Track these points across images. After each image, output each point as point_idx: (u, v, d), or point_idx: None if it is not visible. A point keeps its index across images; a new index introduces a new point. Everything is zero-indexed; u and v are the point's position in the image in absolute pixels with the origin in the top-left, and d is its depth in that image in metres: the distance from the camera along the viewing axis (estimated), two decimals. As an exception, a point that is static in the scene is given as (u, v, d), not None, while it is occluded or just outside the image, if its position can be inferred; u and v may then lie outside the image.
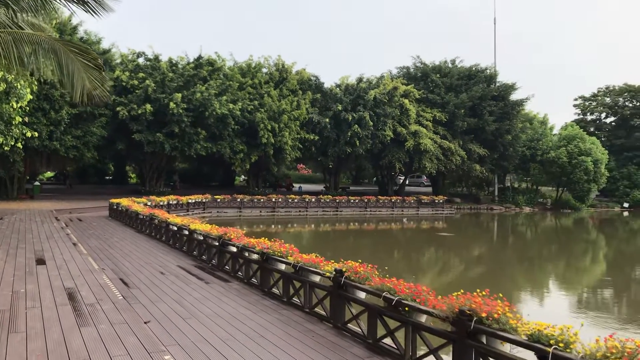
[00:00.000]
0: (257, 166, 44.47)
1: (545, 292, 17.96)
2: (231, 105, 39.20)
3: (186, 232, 14.47)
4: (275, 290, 9.94)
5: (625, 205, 60.13)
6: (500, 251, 29.17)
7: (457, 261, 24.56)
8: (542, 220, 47.72)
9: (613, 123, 67.79)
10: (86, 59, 11.45)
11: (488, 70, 53.69)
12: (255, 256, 10.33)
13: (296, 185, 57.27)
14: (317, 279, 8.64)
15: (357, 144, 43.50)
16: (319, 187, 55.60)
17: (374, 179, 74.68)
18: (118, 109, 36.64)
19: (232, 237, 11.28)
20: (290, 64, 45.74)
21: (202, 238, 13.25)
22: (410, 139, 45.04)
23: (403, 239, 32.53)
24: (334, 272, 8.00)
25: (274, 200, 39.39)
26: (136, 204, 23.79)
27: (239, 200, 38.04)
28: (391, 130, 44.93)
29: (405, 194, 50.11)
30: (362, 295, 7.61)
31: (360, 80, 47.69)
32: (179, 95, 37.33)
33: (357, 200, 42.53)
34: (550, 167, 54.08)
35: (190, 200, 33.51)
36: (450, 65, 53.99)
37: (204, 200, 35.70)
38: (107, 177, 60.71)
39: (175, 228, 15.46)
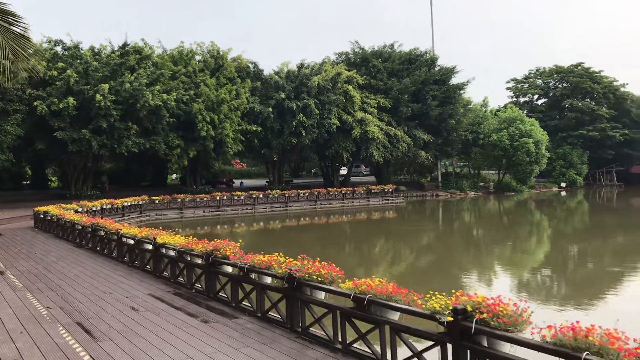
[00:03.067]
0: (195, 162, 41.02)
1: (493, 275, 17.51)
2: (165, 96, 35.57)
3: (149, 247, 11.40)
4: (316, 332, 7.25)
5: (563, 185, 61.28)
6: (453, 237, 28.31)
7: (409, 250, 23.47)
8: (488, 204, 47.44)
9: (545, 105, 69.04)
10: (4, 19, 8.27)
11: (428, 54, 52.68)
12: (269, 280, 7.71)
13: (237, 181, 53.99)
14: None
15: (303, 134, 40.97)
16: (260, 182, 52.78)
17: (312, 171, 72.70)
18: (35, 103, 32.14)
19: (227, 253, 8.54)
20: (225, 50, 42.51)
21: (174, 254, 10.32)
22: (357, 127, 43.08)
23: (356, 231, 30.82)
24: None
25: (218, 198, 36.19)
26: (68, 212, 20.19)
27: (179, 200, 34.58)
28: (337, 118, 42.75)
29: (350, 185, 48.32)
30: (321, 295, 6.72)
31: (301, 66, 45.11)
32: (106, 86, 33.30)
33: (306, 194, 40.06)
34: (493, 151, 53.94)
35: (125, 204, 29.84)
36: (389, 50, 52.54)
37: (140, 203, 32.08)
38: (25, 182, 54.84)
39: (132, 242, 12.35)
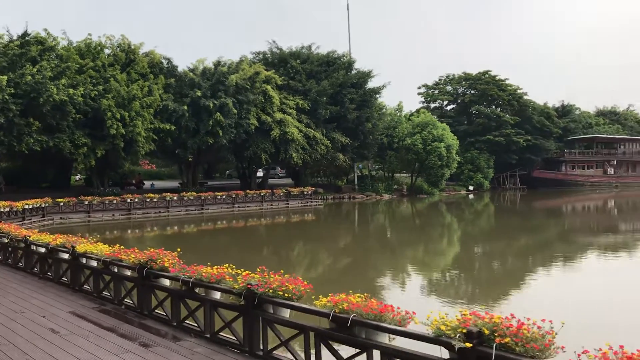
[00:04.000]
0: (103, 162, 38.42)
1: (407, 276, 17.67)
2: (71, 91, 32.97)
3: (66, 257, 9.95)
4: (282, 356, 6.10)
5: (471, 188, 63.71)
6: (370, 239, 28.45)
7: (327, 253, 23.24)
8: (402, 206, 48.32)
9: (454, 110, 71.53)
10: None
11: (345, 57, 52.89)
12: (217, 295, 6.75)
13: (147, 183, 51.37)
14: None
15: (220, 133, 39.50)
16: (172, 184, 50.52)
17: (227, 172, 70.91)
18: None
19: (166, 264, 7.49)
20: (137, 44, 40.21)
21: (98, 266, 9.03)
22: (276, 128, 42.26)
23: (275, 235, 30.21)
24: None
25: (129, 201, 34.07)
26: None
27: (86, 203, 32.18)
28: (255, 119, 41.69)
29: (268, 187, 47.43)
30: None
31: (218, 64, 43.58)
32: (4, 77, 30.31)
33: (224, 196, 38.73)
34: (407, 154, 55.03)
35: (26, 206, 27.26)
36: (307, 51, 52.22)
37: (43, 205, 29.51)
38: None
39: (44, 250, 10.78)
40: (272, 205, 41.48)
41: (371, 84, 52.13)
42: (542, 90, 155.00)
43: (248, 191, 41.22)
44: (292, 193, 43.31)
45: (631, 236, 28.03)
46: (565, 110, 78.96)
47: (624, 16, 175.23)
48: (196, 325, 6.99)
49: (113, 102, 35.27)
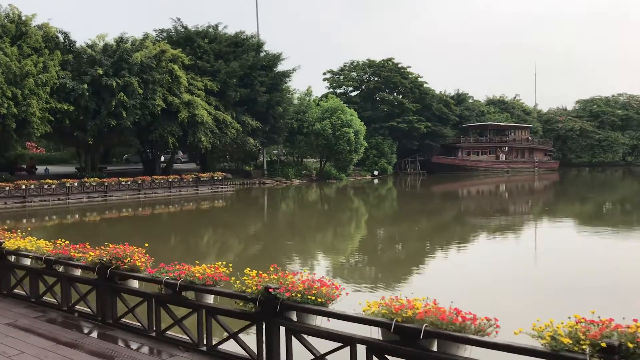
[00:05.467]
0: (-10, 145, 34.54)
1: (316, 261, 17.61)
2: (-49, 64, 29.13)
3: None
4: None
5: (375, 173, 64.96)
6: (282, 224, 28.23)
7: (238, 240, 22.56)
8: (313, 191, 48.24)
9: (359, 97, 72.23)
10: None
11: (254, 39, 51.48)
12: (210, 299, 5.71)
13: (40, 168, 47.03)
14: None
15: (124, 115, 36.83)
16: (68, 169, 46.74)
17: (125, 157, 67.11)
18: None
19: (137, 264, 6.31)
20: (29, 15, 36.33)
21: (38, 265, 7.56)
22: (184, 110, 40.18)
23: (184, 222, 28.78)
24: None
25: (24, 187, 30.86)
26: None
27: (-28, 190, 28.74)
28: (162, 100, 39.34)
29: (174, 172, 45.25)
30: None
31: (121, 40, 40.55)
32: None
33: (129, 182, 36.29)
34: (317, 139, 54.86)
35: None
36: (213, 31, 50.20)
37: None
38: None
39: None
40: (180, 191, 39.57)
41: (281, 68, 51.30)
42: (439, 79, 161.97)
43: (155, 177, 38.94)
44: (201, 179, 41.59)
45: (519, 218, 29.71)
46: (460, 99, 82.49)
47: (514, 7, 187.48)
48: (185, 336, 5.88)
49: (3, 79, 31.65)
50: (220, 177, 43.01)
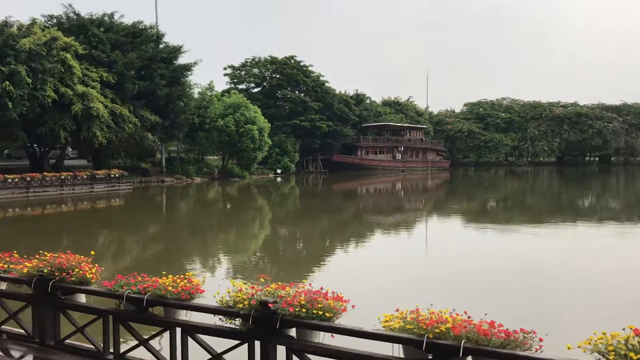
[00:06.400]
0: None
1: (217, 261, 17.27)
2: None
3: None
4: None
5: (278, 171, 64.74)
6: (183, 224, 27.23)
7: (136, 241, 21.57)
8: (215, 190, 47.09)
9: (261, 93, 71.51)
10: None
11: (153, 29, 49.25)
12: (182, 316, 5.02)
13: None
14: None
15: (10, 106, 33.61)
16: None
17: (5, 152, 61.70)
18: None
19: (88, 275, 5.47)
20: None
21: None
22: (78, 102, 37.46)
23: (78, 223, 26.86)
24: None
25: None
26: None
27: None
28: (53, 91, 36.41)
29: (65, 169, 42.17)
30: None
31: (5, 24, 36.90)
32: None
33: (16, 180, 33.22)
34: (219, 136, 53.57)
35: None
36: (108, 19, 47.38)
37: None
38: None
39: None
40: (74, 190, 36.87)
41: (182, 61, 49.46)
42: (338, 79, 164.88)
43: (45, 174, 35.97)
44: (97, 176, 39.05)
45: (413, 214, 30.96)
46: (359, 99, 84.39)
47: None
48: (154, 359, 5.00)
49: None
50: (117, 175, 40.66)
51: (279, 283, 4.62)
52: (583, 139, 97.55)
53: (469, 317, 3.84)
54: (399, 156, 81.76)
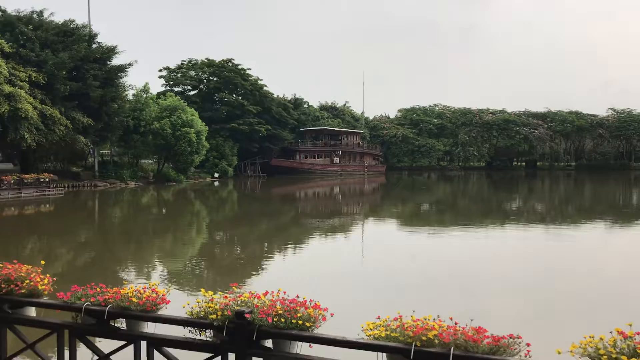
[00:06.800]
0: None
1: (152, 268, 16.63)
2: None
3: None
4: None
5: (216, 175, 63.92)
6: (115, 230, 26.28)
7: (67, 248, 20.53)
8: (150, 194, 45.93)
9: (198, 96, 70.53)
10: None
11: (85, 29, 47.64)
12: (145, 328, 4.80)
13: None
14: None
15: None
16: None
17: None
18: None
19: (39, 287, 5.19)
20: None
21: None
22: (5, 103, 35.65)
23: (2, 230, 25.62)
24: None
25: None
26: None
27: None
28: (-23, 91, 34.59)
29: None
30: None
31: None
32: None
33: None
34: (155, 139, 52.37)
35: None
36: (37, 17, 45.49)
37: None
38: None
39: None
40: (-1, 195, 35.07)
41: (116, 62, 48.15)
42: (276, 83, 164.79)
43: (-33, 178, 34.07)
44: (25, 181, 37.25)
45: (350, 218, 31.45)
46: (297, 103, 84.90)
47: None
48: None
49: None
50: (47, 179, 38.93)
51: (253, 292, 4.46)
52: (511, 145, 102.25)
53: (455, 324, 3.77)
54: (336, 160, 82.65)
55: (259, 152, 71.39)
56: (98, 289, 4.92)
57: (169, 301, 4.74)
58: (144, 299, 4.62)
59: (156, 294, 4.70)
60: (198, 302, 4.44)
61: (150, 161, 59.63)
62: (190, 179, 58.35)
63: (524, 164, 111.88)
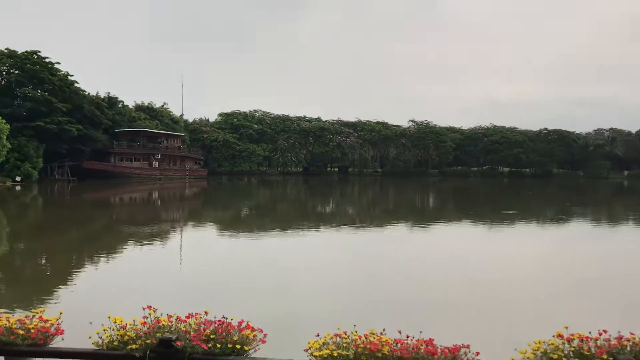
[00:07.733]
0: None
1: None
2: None
3: None
4: None
5: (18, 179, 57.93)
6: None
7: None
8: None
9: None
10: None
11: None
12: None
13: None
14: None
15: None
16: None
17: None
18: None
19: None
20: None
21: None
22: None
23: None
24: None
25: None
26: None
27: None
28: None
29: None
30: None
31: None
32: None
33: None
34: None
35: None
36: None
37: None
38: None
39: None
40: None
41: None
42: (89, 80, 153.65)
43: None
44: None
45: (171, 224, 31.06)
46: (111, 102, 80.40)
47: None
48: None
49: None
50: None
51: (173, 314, 4.07)
52: (325, 151, 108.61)
53: (407, 337, 3.71)
54: (155, 164, 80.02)
55: (68, 154, 66.20)
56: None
57: (64, 331, 4.14)
58: (33, 331, 3.97)
59: (45, 322, 4.09)
60: (104, 329, 3.94)
61: None
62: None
63: (336, 169, 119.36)
